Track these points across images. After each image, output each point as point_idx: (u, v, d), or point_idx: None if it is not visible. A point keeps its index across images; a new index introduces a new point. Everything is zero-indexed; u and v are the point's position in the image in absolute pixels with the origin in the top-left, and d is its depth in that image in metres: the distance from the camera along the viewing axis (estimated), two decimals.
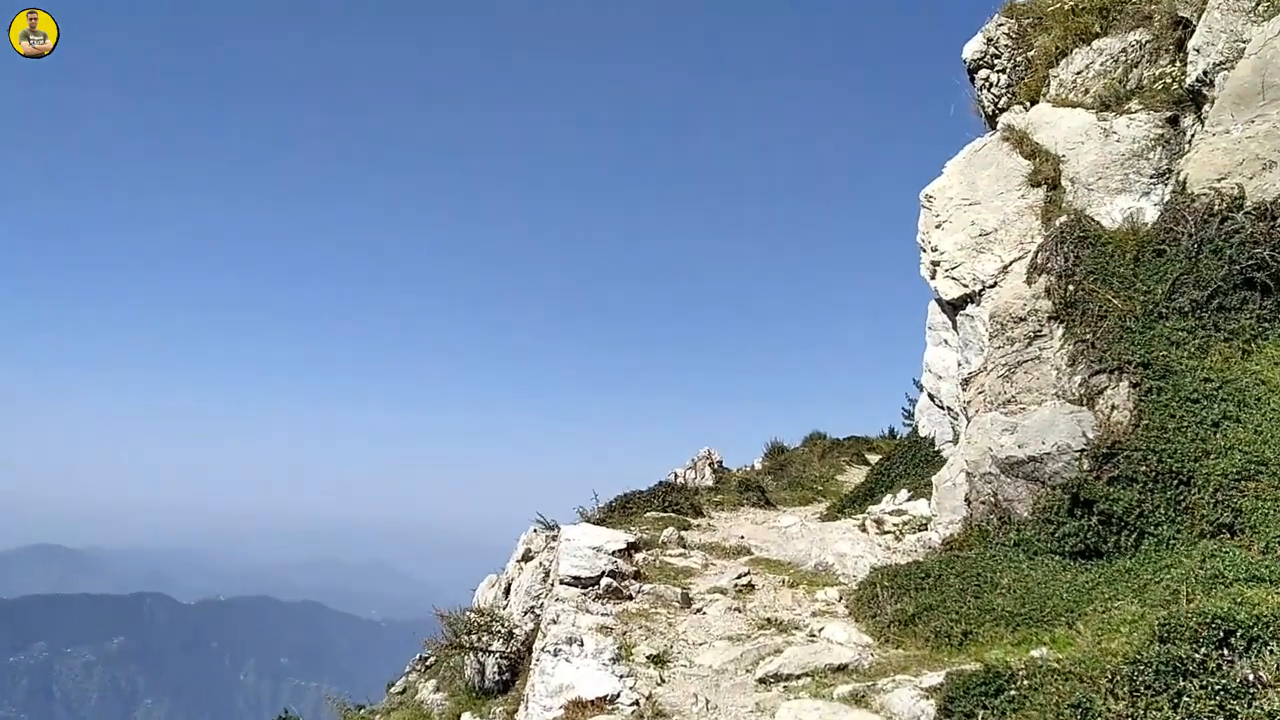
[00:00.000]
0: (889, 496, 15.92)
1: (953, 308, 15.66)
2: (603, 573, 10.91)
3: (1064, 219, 10.74)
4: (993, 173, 15.89)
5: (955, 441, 16.52)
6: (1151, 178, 13.18)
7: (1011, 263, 13.77)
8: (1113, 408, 9.40)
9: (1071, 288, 10.22)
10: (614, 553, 11.93)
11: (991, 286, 14.74)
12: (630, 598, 10.77)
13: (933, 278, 16.17)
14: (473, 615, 13.65)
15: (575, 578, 10.86)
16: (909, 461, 17.19)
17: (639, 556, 12.20)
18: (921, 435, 17.74)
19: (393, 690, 16.93)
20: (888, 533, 13.04)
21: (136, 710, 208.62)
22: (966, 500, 10.87)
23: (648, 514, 15.43)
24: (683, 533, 14.48)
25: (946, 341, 16.34)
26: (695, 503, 16.81)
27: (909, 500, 14.98)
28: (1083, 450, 9.42)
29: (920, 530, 12.46)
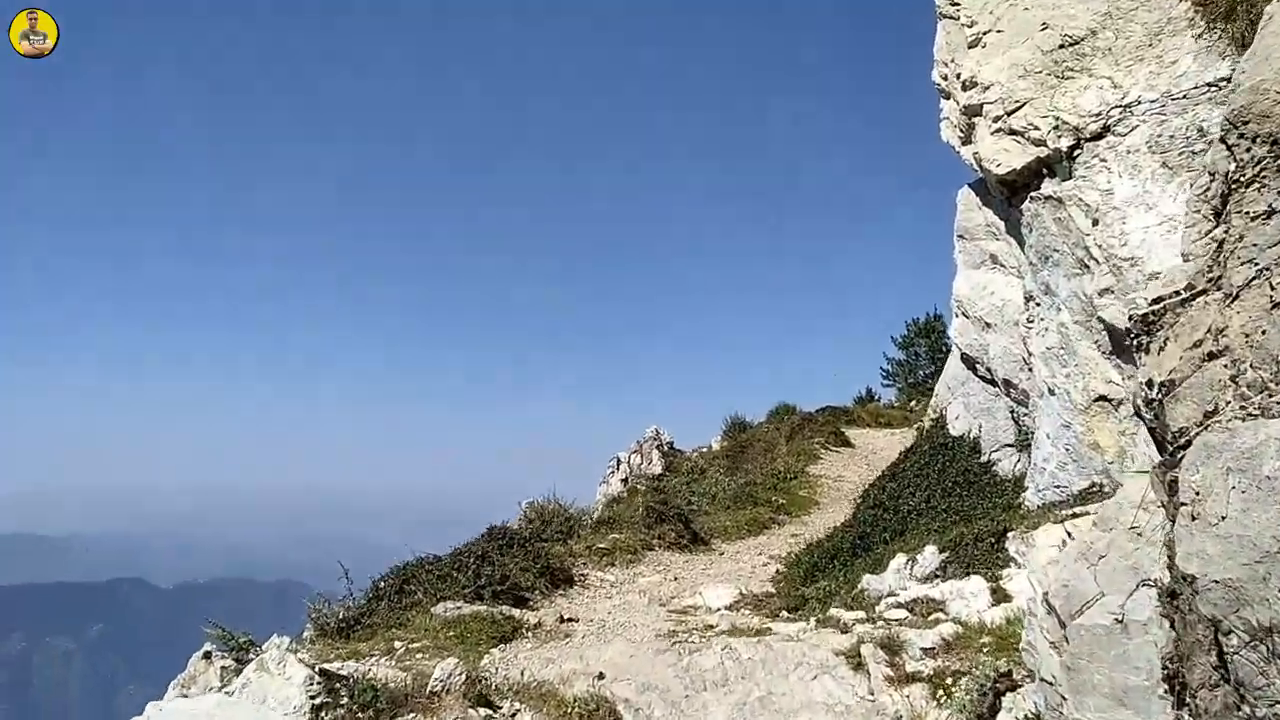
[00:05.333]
0: (900, 558, 8.47)
1: (1011, 191, 8.25)
2: None
3: None
4: None
5: (1020, 448, 9.01)
6: None
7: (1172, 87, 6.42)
8: None
9: None
10: None
11: (1098, 138, 7.37)
12: None
13: (966, 141, 8.78)
14: None
15: None
16: (934, 484, 9.36)
17: None
18: (955, 434, 9.92)
19: None
20: (915, 678, 5.70)
21: (117, 698, 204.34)
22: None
23: (439, 607, 8.02)
24: (493, 653, 7.21)
25: (995, 259, 8.87)
26: (552, 563, 9.35)
27: (942, 575, 7.55)
28: None
29: (997, 681, 5.10)
